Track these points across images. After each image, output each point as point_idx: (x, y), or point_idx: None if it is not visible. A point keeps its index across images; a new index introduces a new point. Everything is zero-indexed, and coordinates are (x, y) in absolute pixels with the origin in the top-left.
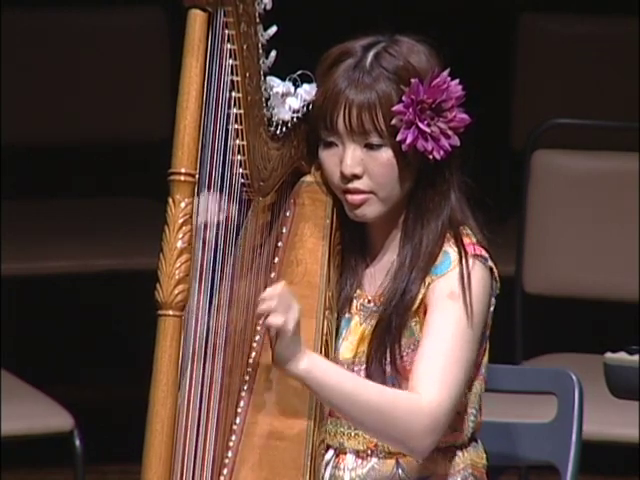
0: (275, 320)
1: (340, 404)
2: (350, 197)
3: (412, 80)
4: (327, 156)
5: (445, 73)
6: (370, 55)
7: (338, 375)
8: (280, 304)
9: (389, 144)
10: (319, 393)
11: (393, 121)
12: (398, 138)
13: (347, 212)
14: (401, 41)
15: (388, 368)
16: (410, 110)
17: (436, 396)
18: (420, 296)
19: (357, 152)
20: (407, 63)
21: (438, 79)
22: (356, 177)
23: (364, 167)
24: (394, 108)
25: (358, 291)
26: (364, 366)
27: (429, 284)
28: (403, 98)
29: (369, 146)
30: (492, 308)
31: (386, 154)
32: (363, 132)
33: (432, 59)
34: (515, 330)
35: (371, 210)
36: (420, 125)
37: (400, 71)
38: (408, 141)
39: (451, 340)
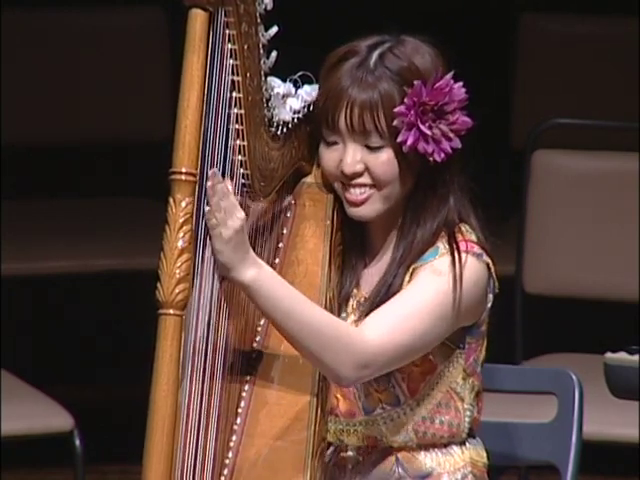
0: (209, 219)
1: (279, 317)
2: (350, 196)
3: (415, 82)
4: (328, 154)
5: (449, 76)
6: (375, 55)
7: (284, 289)
8: (219, 206)
9: (390, 145)
10: (262, 304)
11: (394, 122)
12: (399, 139)
13: (346, 210)
14: (406, 41)
15: None
16: (412, 112)
17: (378, 337)
18: (405, 284)
19: (357, 152)
20: (411, 64)
21: (441, 82)
22: (357, 175)
23: (365, 165)
24: (396, 109)
25: (355, 290)
26: None
27: (413, 270)
28: (405, 100)
29: (369, 147)
30: (489, 305)
31: (387, 154)
32: (364, 132)
33: (437, 60)
34: (515, 330)
35: (371, 209)
36: (421, 127)
37: (403, 72)
38: (409, 143)
39: (420, 302)
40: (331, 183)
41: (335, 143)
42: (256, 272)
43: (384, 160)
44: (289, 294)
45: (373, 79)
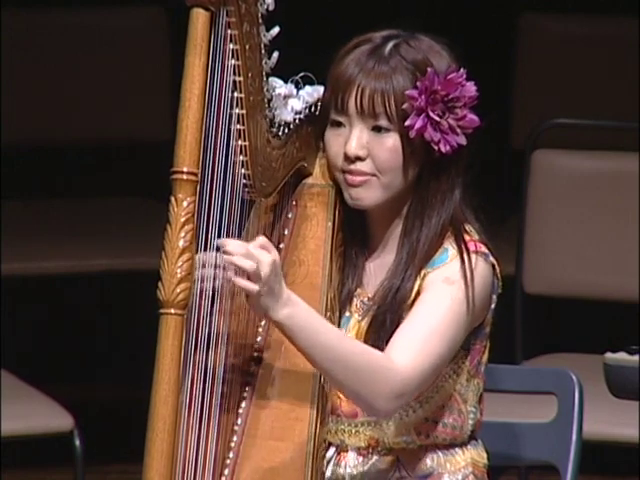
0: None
1: (314, 353)
2: (350, 177)
3: (428, 69)
4: (333, 135)
5: (463, 71)
6: (390, 44)
7: (317, 326)
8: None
9: (396, 130)
10: (295, 340)
11: (404, 105)
12: (407, 123)
13: (345, 196)
14: (422, 39)
15: None
16: (422, 97)
17: (409, 363)
18: (415, 288)
19: (363, 134)
20: (426, 59)
21: (455, 74)
22: (359, 159)
23: (368, 150)
24: (407, 92)
25: (358, 289)
26: None
27: (424, 275)
28: (417, 84)
29: (377, 129)
30: (493, 305)
31: (392, 139)
32: (373, 114)
33: (451, 61)
34: (515, 330)
35: (369, 195)
36: (430, 114)
37: (418, 63)
38: (416, 127)
39: (439, 316)
40: (333, 174)
41: (342, 125)
42: (289, 311)
43: (389, 146)
44: (323, 330)
45: (387, 68)
